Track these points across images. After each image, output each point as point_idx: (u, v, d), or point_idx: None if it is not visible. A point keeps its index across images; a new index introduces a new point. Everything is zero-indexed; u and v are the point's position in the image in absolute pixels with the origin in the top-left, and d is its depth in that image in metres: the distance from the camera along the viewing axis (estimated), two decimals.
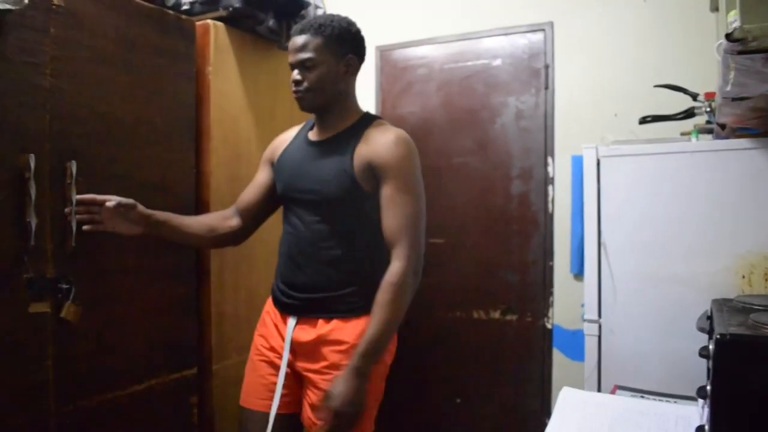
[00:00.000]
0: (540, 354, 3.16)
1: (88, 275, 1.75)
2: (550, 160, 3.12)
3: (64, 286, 1.67)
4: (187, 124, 2.11)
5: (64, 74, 1.69)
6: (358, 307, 1.74)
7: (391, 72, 3.54)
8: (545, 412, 3.11)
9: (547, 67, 3.12)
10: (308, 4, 2.41)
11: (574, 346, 3.03)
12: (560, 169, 3.10)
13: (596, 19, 3.04)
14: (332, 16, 1.77)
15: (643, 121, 2.44)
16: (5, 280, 1.55)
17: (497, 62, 3.24)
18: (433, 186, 3.35)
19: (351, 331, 1.72)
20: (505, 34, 3.24)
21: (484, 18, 3.30)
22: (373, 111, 3.52)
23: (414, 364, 3.46)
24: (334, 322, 1.73)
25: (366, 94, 3.50)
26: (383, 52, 3.57)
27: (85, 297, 1.72)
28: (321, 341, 1.73)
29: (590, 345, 2.15)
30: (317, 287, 1.75)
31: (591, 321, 2.14)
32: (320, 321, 1.74)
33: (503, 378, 3.24)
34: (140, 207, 1.79)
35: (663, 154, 2.09)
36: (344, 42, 1.74)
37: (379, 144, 1.70)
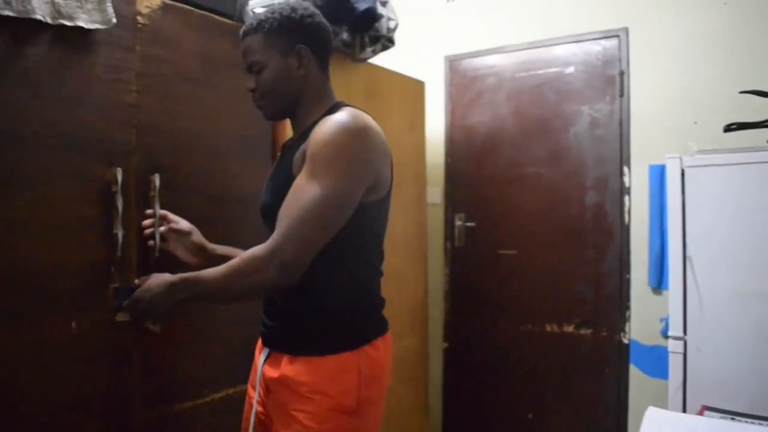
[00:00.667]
0: (616, 370, 3.06)
1: None
2: (626, 169, 3.03)
3: None
4: (263, 138, 2.14)
5: (149, 90, 1.74)
6: (327, 343, 1.43)
7: (460, 82, 3.51)
8: (621, 430, 3.01)
9: (622, 74, 3.04)
10: (381, 17, 2.41)
11: (653, 362, 2.93)
12: (637, 179, 3.00)
13: (674, 23, 2.94)
14: (275, 6, 1.50)
15: (729, 128, 2.34)
16: (94, 289, 1.60)
17: (569, 70, 3.18)
18: (504, 196, 3.33)
19: (315, 372, 1.41)
20: (578, 41, 3.17)
21: (555, 25, 3.25)
22: (441, 121, 3.52)
23: (485, 376, 3.43)
24: (299, 362, 1.43)
25: (435, 104, 3.49)
26: (452, 62, 3.55)
27: None
28: (283, 382, 1.44)
29: (675, 363, 2.07)
30: (283, 315, 1.49)
31: (676, 338, 2.06)
32: (285, 358, 1.45)
33: (577, 393, 3.15)
34: (196, 236, 1.72)
35: (752, 164, 2.00)
36: (289, 33, 1.47)
37: (315, 132, 1.39)
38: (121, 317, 1.63)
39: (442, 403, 3.59)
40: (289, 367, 1.43)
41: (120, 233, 1.62)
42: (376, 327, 1.51)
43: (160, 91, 1.77)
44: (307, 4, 1.53)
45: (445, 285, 3.58)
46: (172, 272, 1.72)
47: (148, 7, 1.73)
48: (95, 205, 1.60)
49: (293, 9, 1.49)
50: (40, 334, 1.49)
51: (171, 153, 1.80)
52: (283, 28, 1.47)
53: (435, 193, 3.53)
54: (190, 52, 1.87)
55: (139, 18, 1.71)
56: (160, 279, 1.45)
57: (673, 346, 2.07)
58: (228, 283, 1.37)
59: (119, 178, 1.62)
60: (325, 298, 1.43)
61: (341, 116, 1.39)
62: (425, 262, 3.23)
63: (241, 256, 1.38)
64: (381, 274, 1.56)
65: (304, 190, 1.33)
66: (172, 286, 1.42)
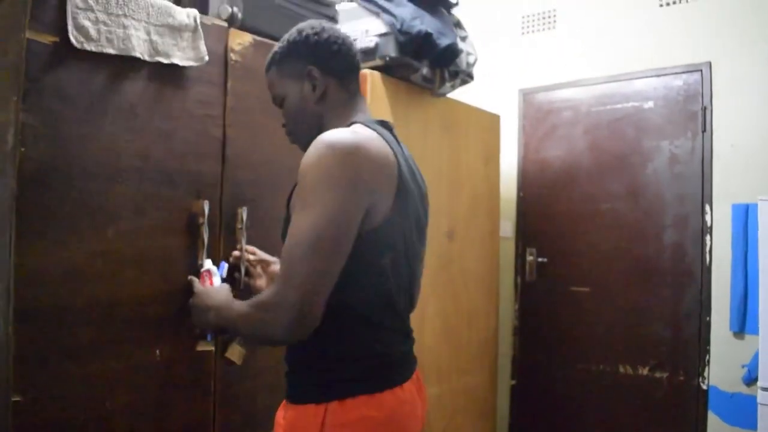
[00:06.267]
0: (693, 417, 2.93)
1: None
2: (707, 208, 2.93)
3: None
4: None
5: (238, 125, 1.78)
6: (299, 390, 1.32)
7: (535, 115, 3.49)
8: None
9: (704, 109, 2.96)
10: (461, 52, 2.42)
11: (733, 410, 2.80)
12: (719, 218, 2.90)
13: (759, 57, 2.85)
14: (287, 34, 1.43)
15: None
16: (177, 319, 1.61)
17: (649, 104, 3.12)
18: (578, 232, 3.28)
19: (285, 417, 1.32)
20: (658, 76, 3.11)
21: (634, 59, 3.20)
22: (514, 154, 3.49)
23: (553, 415, 3.36)
24: (285, 407, 1.34)
25: (507, 137, 3.45)
26: (526, 96, 3.53)
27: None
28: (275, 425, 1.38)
29: (765, 415, 1.96)
30: (287, 357, 1.38)
31: (766, 389, 1.96)
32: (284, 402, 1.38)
33: None
34: (276, 267, 1.67)
35: None
36: (297, 56, 1.39)
37: (302, 159, 1.26)
38: (201, 347, 1.66)
39: None
40: (280, 412, 1.37)
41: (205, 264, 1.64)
42: (356, 382, 1.26)
43: (247, 125, 1.81)
44: (317, 22, 1.43)
45: (514, 320, 3.52)
46: None
47: (239, 44, 1.79)
48: (182, 237, 1.63)
49: (299, 31, 1.41)
50: (128, 361, 1.52)
51: (256, 186, 1.83)
52: (291, 53, 1.40)
53: (506, 227, 3.49)
54: None
55: (231, 55, 1.76)
56: (209, 298, 1.48)
57: (764, 397, 1.97)
58: (242, 327, 1.34)
59: (206, 210, 1.65)
60: (315, 341, 1.23)
61: (326, 135, 1.25)
62: (497, 296, 3.19)
63: (255, 298, 1.28)
64: (392, 319, 1.33)
65: (297, 225, 1.20)
66: (208, 309, 1.46)
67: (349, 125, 1.33)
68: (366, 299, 1.28)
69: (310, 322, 1.18)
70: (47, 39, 1.39)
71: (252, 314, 1.25)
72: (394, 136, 1.39)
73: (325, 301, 1.19)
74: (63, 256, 1.41)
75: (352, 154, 1.21)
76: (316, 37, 1.38)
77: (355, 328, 1.28)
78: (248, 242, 1.76)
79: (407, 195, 1.30)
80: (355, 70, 1.44)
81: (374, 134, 1.30)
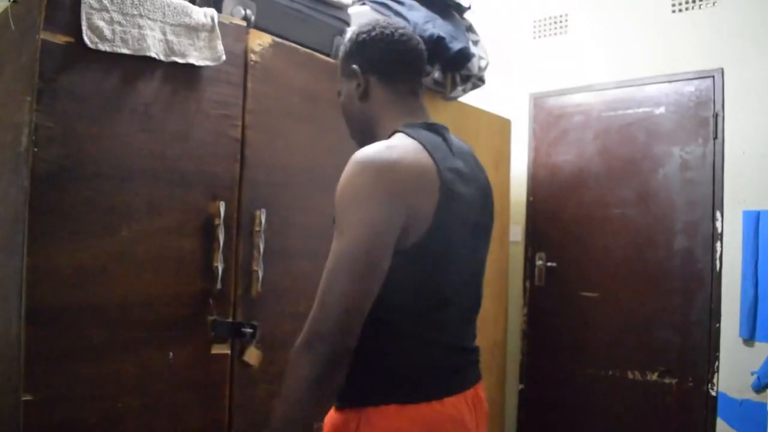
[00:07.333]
0: (702, 423, 2.92)
1: (271, 320, 1.78)
2: (718, 214, 2.91)
3: (248, 330, 1.68)
4: None
5: (256, 126, 1.76)
6: (341, 395, 1.30)
7: (545, 119, 3.48)
8: None
9: (716, 115, 2.95)
10: (473, 56, 2.41)
11: (743, 417, 2.79)
12: (730, 225, 2.89)
13: None
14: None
15: None
16: (192, 321, 1.61)
17: (660, 110, 3.11)
18: (587, 237, 3.27)
19: (327, 421, 1.32)
20: (669, 81, 3.10)
21: (645, 65, 3.19)
22: (525, 158, 3.48)
23: (561, 420, 3.35)
24: (331, 411, 1.33)
25: (518, 141, 3.44)
26: (536, 100, 3.52)
27: (267, 341, 1.75)
28: None
29: None
30: None
31: None
32: None
33: None
34: None
35: None
36: (350, 55, 1.36)
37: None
38: (217, 350, 1.65)
39: None
40: (328, 416, 1.34)
41: (220, 266, 1.63)
42: (388, 392, 1.24)
43: (265, 126, 1.80)
44: (381, 20, 1.39)
45: (522, 324, 3.51)
46: (278, 301, 1.70)
47: (259, 45, 1.77)
48: (197, 238, 1.62)
49: (357, 30, 1.37)
50: (141, 362, 1.51)
51: (273, 188, 1.82)
52: (348, 51, 1.37)
53: (515, 231, 3.48)
54: (295, 88, 1.89)
55: (251, 56, 1.74)
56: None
57: None
58: (286, 390, 1.18)
59: (222, 211, 1.64)
60: (357, 350, 1.21)
61: (359, 153, 1.21)
62: (506, 301, 3.18)
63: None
64: (431, 331, 1.29)
65: (332, 251, 1.17)
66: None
67: (391, 134, 1.29)
68: (401, 313, 1.25)
69: (349, 344, 1.16)
70: (61, 39, 1.38)
71: (293, 364, 1.17)
72: (445, 139, 1.32)
73: (363, 320, 1.16)
74: (76, 256, 1.41)
75: (382, 171, 1.17)
76: (364, 35, 1.34)
77: (389, 340, 1.25)
78: (265, 245, 1.74)
79: (452, 202, 1.25)
80: (406, 71, 1.37)
81: (412, 144, 1.24)
